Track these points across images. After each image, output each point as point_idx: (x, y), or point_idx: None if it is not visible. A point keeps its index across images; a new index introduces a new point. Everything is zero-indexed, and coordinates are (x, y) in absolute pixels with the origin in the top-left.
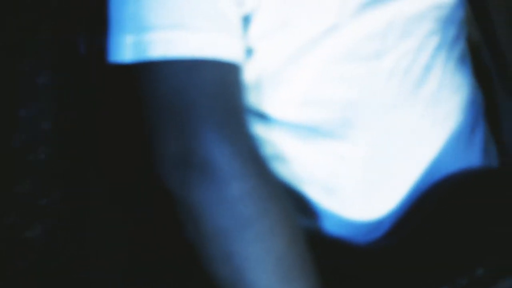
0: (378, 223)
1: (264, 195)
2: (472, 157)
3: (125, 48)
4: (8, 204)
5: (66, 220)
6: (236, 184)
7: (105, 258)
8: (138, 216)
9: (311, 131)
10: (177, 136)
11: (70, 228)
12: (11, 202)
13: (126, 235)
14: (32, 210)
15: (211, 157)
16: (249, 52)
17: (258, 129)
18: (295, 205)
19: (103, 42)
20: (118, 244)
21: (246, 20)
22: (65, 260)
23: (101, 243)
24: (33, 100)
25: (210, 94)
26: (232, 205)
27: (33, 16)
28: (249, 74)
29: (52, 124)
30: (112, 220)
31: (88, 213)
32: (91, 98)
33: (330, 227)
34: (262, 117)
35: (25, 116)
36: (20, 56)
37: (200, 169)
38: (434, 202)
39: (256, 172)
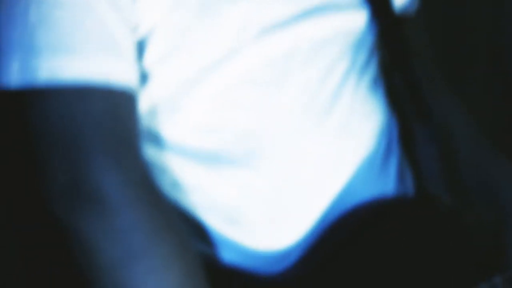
0: (285, 254)
1: (157, 226)
2: (385, 185)
3: (11, 72)
4: None
5: None
6: (126, 214)
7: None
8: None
9: (212, 159)
10: (64, 165)
11: None
12: None
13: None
14: None
15: (99, 186)
16: (144, 77)
17: (155, 156)
18: (195, 233)
19: None
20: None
21: (141, 45)
22: None
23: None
24: None
25: (98, 122)
26: (122, 236)
27: None
28: (145, 100)
29: None
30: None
31: None
32: None
33: (233, 257)
34: (160, 143)
35: None
36: None
37: (89, 198)
38: (345, 232)
39: (148, 202)
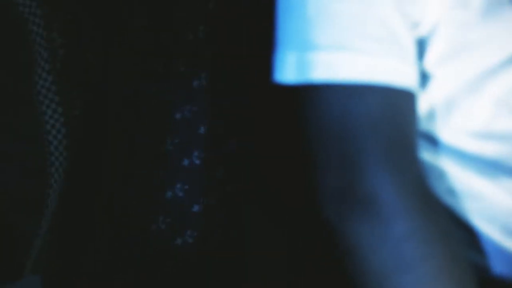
0: None
1: (430, 236)
2: None
3: (287, 67)
4: (159, 210)
5: (218, 229)
6: (400, 223)
7: (258, 269)
8: (293, 233)
9: (492, 167)
10: (338, 167)
11: (222, 238)
12: (163, 208)
13: (279, 248)
14: (184, 217)
15: (374, 192)
16: (424, 78)
17: (432, 160)
18: (468, 242)
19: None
20: (270, 256)
21: (421, 44)
22: (214, 270)
23: (254, 254)
24: (188, 103)
25: (376, 123)
26: (394, 245)
27: (189, 16)
28: (423, 102)
29: (206, 128)
30: (266, 231)
31: (241, 223)
32: (245, 105)
33: (508, 269)
34: (437, 147)
35: (180, 120)
36: (177, 56)
37: (362, 204)
38: None
39: (423, 210)
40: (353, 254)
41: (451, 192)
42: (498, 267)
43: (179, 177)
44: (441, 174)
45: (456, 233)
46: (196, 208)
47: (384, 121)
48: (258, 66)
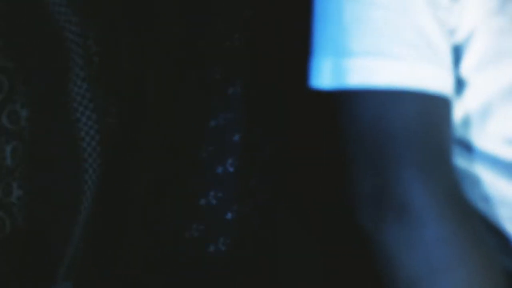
0: None
1: (463, 241)
2: None
3: (324, 73)
4: (193, 217)
5: (251, 237)
6: (433, 228)
7: (290, 277)
8: (327, 241)
9: None
10: (373, 171)
11: (255, 245)
12: (196, 215)
13: (313, 258)
14: (217, 224)
15: (408, 197)
16: (459, 84)
17: (466, 167)
18: (503, 248)
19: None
20: (303, 265)
21: (458, 50)
22: (247, 277)
23: (286, 262)
24: (224, 110)
25: (411, 129)
26: (427, 250)
27: (225, 25)
28: (459, 108)
29: (241, 136)
30: (299, 239)
31: (274, 231)
32: (280, 112)
33: None
34: (471, 154)
35: (215, 127)
36: (212, 63)
37: (396, 209)
38: None
39: (456, 216)
40: (386, 258)
41: (485, 198)
42: None
43: (213, 184)
44: (475, 181)
45: (490, 239)
46: (229, 215)
47: (419, 126)
48: (293, 73)
